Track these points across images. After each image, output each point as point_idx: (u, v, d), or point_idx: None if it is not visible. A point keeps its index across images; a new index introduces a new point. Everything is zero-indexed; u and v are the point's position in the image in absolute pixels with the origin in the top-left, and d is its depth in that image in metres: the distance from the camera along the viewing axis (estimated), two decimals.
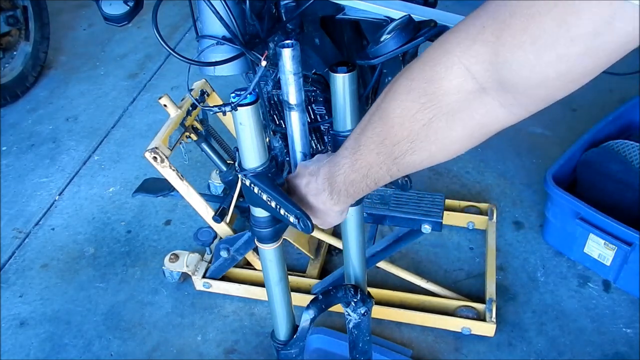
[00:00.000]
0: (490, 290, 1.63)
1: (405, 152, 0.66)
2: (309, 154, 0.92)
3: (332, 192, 0.80)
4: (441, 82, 0.59)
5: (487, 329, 1.56)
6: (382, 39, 0.77)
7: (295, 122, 0.87)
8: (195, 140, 1.67)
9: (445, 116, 0.61)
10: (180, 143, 1.62)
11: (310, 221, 0.84)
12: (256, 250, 1.67)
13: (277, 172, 0.91)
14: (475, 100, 0.58)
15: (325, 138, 1.22)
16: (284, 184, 0.91)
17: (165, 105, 1.60)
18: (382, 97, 0.68)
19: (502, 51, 0.53)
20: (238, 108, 0.81)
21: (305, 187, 0.85)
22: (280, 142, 1.15)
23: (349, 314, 1.11)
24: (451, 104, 0.59)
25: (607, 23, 0.45)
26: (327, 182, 0.80)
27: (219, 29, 0.80)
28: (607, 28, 0.46)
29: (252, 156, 0.87)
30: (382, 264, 1.68)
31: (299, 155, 0.91)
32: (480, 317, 1.58)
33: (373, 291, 1.43)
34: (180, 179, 1.56)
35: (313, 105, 1.12)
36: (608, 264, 1.67)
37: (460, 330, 1.58)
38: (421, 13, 0.81)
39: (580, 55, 0.49)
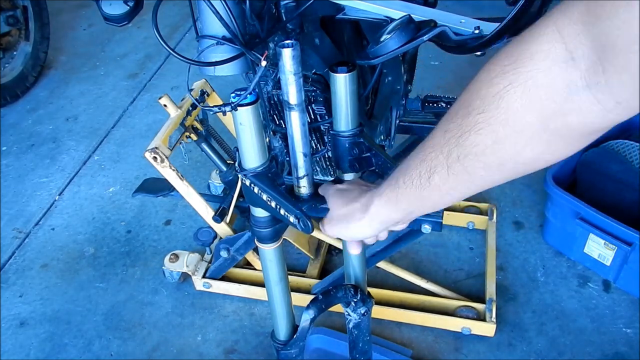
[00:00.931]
0: (490, 290, 1.63)
1: (471, 128, 0.60)
2: (309, 154, 0.92)
3: (384, 184, 0.74)
4: (531, 44, 0.54)
5: (487, 329, 1.56)
6: (382, 39, 0.77)
7: (295, 122, 0.87)
8: (195, 140, 1.67)
9: (521, 87, 0.55)
10: (180, 143, 1.62)
11: (311, 221, 0.84)
12: (256, 250, 1.67)
13: (277, 172, 0.91)
14: (559, 76, 0.52)
15: (325, 138, 1.21)
16: (283, 184, 0.91)
17: (165, 105, 1.60)
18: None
19: (593, 6, 0.47)
20: (238, 108, 0.81)
21: (362, 192, 0.80)
22: (280, 142, 1.15)
23: (349, 314, 1.11)
24: (532, 72, 0.54)
25: None
26: (388, 177, 0.74)
27: (219, 29, 0.80)
28: None
29: (252, 156, 0.87)
30: (382, 264, 1.68)
31: (299, 155, 0.91)
32: (480, 317, 1.58)
33: (373, 291, 1.43)
34: (180, 179, 1.56)
35: (313, 105, 1.12)
36: (608, 264, 1.67)
37: (460, 330, 1.58)
38: (421, 13, 0.80)
39: None
